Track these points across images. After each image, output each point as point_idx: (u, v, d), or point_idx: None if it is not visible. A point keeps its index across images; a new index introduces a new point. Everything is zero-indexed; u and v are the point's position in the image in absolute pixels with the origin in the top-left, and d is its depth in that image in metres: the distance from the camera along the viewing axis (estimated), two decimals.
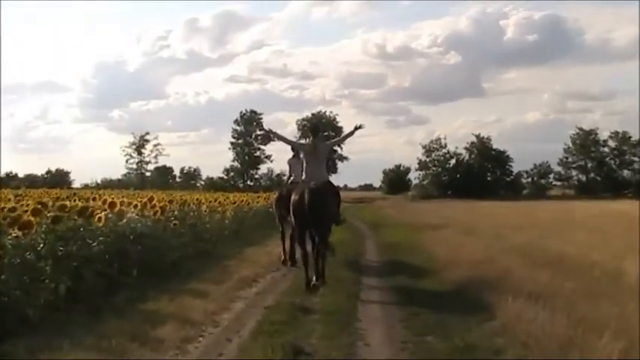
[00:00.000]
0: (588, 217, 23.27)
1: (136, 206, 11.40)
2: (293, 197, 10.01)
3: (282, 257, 13.15)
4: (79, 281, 8.12)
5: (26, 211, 8.07)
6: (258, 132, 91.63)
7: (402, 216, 32.32)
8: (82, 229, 8.85)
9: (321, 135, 13.48)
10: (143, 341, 6.46)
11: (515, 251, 12.20)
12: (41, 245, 7.88)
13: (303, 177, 10.51)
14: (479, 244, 14.05)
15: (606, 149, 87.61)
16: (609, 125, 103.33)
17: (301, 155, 11.03)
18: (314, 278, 9.77)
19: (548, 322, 6.43)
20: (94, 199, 12.45)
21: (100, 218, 9.32)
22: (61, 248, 8.07)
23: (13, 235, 7.50)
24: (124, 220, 10.42)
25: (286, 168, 13.67)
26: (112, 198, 11.21)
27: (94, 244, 8.91)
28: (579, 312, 6.75)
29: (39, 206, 8.33)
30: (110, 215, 10.01)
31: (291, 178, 13.06)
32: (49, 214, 8.38)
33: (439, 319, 7.46)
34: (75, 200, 13.15)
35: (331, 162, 77.13)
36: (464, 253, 12.30)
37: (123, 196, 13.72)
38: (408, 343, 6.57)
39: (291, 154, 13.22)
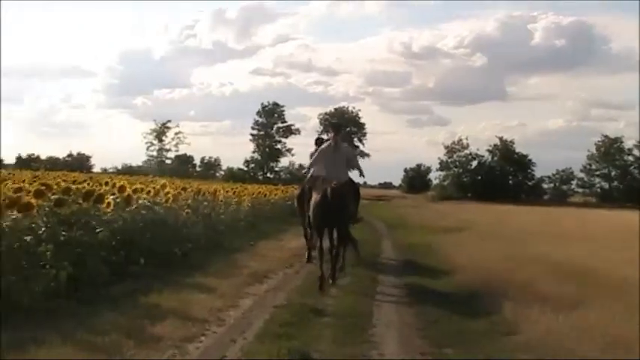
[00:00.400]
0: (613, 228, 22.61)
1: (148, 192, 10.96)
2: (314, 196, 10.08)
3: (306, 256, 12.86)
4: (82, 268, 7.71)
5: (29, 192, 7.66)
6: (280, 125, 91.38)
7: (422, 216, 31.69)
8: (87, 213, 8.45)
9: (343, 132, 13.11)
10: (140, 339, 6.01)
11: (538, 260, 11.61)
12: (42, 229, 7.47)
13: (324, 173, 10.43)
14: (500, 250, 13.44)
15: (631, 158, 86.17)
16: (633, 135, 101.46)
17: (322, 150, 10.91)
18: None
19: (580, 342, 5.92)
20: (106, 184, 11.99)
21: (108, 203, 8.91)
22: (63, 233, 7.68)
23: (12, 217, 7.08)
24: (134, 207, 9.98)
25: (307, 161, 13.46)
26: (124, 183, 10.78)
27: (100, 229, 8.49)
28: (614, 332, 6.22)
29: (42, 188, 7.92)
30: (119, 200, 9.58)
31: (311, 171, 12.59)
32: (52, 197, 7.99)
33: (459, 329, 7.00)
34: (87, 184, 12.80)
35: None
36: (485, 259, 11.75)
37: (139, 182, 13.32)
38: (426, 355, 6.09)
39: (312, 147, 13.07)
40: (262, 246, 14.37)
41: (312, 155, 12.92)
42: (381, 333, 6.84)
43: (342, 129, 11.11)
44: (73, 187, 8.83)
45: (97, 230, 8.43)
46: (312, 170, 12.45)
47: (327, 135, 14.94)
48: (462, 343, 6.45)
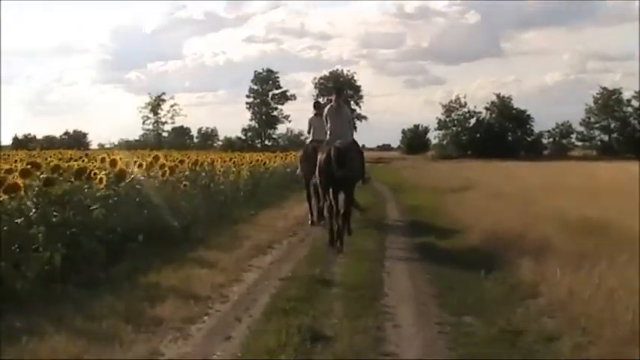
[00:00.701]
0: (620, 181, 22.22)
1: (140, 166, 10.50)
2: (319, 156, 10.12)
3: (310, 218, 13.01)
4: (77, 249, 7.36)
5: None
6: (275, 91, 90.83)
7: (423, 177, 31.23)
8: (79, 192, 8.06)
9: (344, 94, 13.04)
10: (139, 322, 5.62)
11: (550, 217, 11.22)
12: (33, 210, 7.10)
13: (328, 136, 10.55)
14: (509, 208, 13.03)
15: (630, 109, 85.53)
16: (630, 86, 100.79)
17: (325, 113, 10.87)
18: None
19: (608, 304, 5.53)
20: (102, 160, 11.55)
21: (100, 179, 8.49)
22: (55, 213, 7.31)
23: None
24: (127, 181, 9.54)
25: (305, 127, 13.37)
26: (119, 157, 10.31)
27: (94, 207, 8.10)
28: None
29: (29, 167, 7.52)
30: (111, 176, 9.16)
31: (310, 136, 12.86)
32: (41, 176, 7.59)
33: (476, 295, 6.64)
34: (83, 161, 12.41)
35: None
36: (495, 219, 11.32)
37: (136, 156, 12.90)
38: (445, 325, 5.69)
39: (310, 112, 13.10)
40: (264, 215, 14.01)
41: (311, 120, 13.03)
42: (394, 303, 6.45)
43: (344, 91, 11.03)
44: (64, 165, 8.42)
45: (91, 208, 8.06)
46: (312, 133, 12.71)
47: (323, 99, 14.73)
48: (481, 309, 6.11)
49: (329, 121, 10.60)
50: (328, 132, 10.59)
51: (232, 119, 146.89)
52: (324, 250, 9.58)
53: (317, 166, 10.17)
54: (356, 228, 11.19)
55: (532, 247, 8.52)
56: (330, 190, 9.99)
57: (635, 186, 17.91)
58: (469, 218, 12.03)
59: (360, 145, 11.81)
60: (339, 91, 11.49)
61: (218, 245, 9.74)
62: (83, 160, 11.94)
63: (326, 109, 10.93)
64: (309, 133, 13.13)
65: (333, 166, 9.60)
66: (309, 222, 12.83)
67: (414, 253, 9.51)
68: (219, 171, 16.25)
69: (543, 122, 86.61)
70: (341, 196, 10.06)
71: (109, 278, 7.29)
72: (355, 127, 79.46)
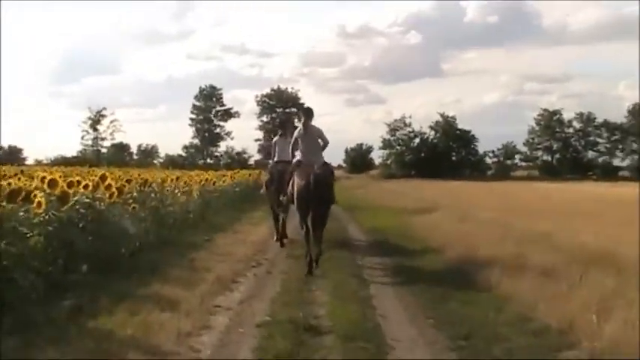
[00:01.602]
0: (576, 200, 21.96)
1: (86, 187, 9.17)
2: (298, 182, 10.20)
3: (275, 237, 12.98)
4: (10, 285, 6.15)
5: None
6: (219, 108, 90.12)
7: (375, 197, 30.39)
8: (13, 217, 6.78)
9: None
10: None
11: (538, 242, 10.40)
12: None
13: (299, 157, 10.56)
14: (489, 232, 12.17)
15: (571, 130, 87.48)
16: (566, 107, 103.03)
17: (295, 135, 10.83)
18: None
19: None
20: (42, 180, 10.17)
21: (39, 203, 7.20)
22: None
23: None
24: (70, 204, 8.24)
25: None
26: (59, 176, 8.97)
27: (32, 234, 6.87)
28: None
29: None
30: (52, 198, 7.86)
31: (275, 158, 12.84)
32: None
33: (502, 347, 5.54)
34: (18, 179, 11.04)
35: None
36: (480, 246, 10.43)
37: (76, 174, 11.56)
38: None
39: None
40: (220, 241, 12.76)
41: (276, 142, 13.19)
42: (406, 356, 5.33)
43: (312, 112, 10.35)
44: None
45: (28, 236, 6.79)
46: (277, 154, 12.73)
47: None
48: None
49: (300, 143, 10.55)
50: (299, 154, 10.57)
51: (173, 136, 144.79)
52: (296, 286, 8.48)
53: (295, 191, 10.24)
54: (326, 255, 10.30)
55: (536, 277, 7.81)
56: (308, 215, 9.96)
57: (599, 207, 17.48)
58: (452, 244, 11.20)
59: None
60: (308, 113, 10.70)
61: (175, 279, 8.48)
62: (19, 178, 10.55)
63: (296, 132, 10.84)
64: (273, 154, 13.02)
65: (312, 192, 9.77)
66: (274, 239, 12.89)
67: (400, 287, 8.50)
68: (168, 191, 14.92)
69: (482, 142, 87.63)
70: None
71: (49, 320, 6.03)
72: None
